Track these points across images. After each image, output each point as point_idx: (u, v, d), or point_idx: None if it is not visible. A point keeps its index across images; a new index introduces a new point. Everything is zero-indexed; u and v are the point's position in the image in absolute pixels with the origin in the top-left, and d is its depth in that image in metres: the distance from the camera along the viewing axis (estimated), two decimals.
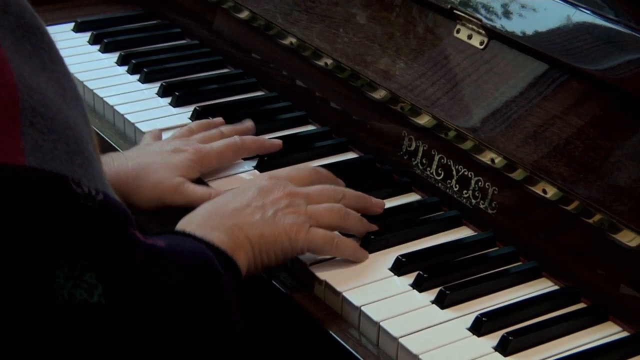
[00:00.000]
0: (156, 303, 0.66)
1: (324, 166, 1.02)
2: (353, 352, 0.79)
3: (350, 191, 0.92)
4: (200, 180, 0.98)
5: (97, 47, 1.27)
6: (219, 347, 0.71)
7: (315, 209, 0.87)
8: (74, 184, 0.60)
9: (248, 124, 1.07)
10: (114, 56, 1.25)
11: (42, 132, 0.59)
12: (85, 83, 1.18)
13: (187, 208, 0.91)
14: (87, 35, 1.29)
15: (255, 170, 1.02)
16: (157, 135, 1.05)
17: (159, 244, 0.69)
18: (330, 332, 0.82)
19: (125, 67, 1.22)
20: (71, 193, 0.60)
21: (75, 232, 0.60)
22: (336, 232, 0.88)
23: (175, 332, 0.67)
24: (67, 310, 0.60)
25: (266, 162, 1.03)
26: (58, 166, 0.59)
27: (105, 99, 1.15)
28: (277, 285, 0.87)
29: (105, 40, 1.27)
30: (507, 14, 0.93)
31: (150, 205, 0.94)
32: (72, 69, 1.18)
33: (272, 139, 1.05)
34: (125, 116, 1.12)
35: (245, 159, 1.04)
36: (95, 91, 1.17)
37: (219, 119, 1.08)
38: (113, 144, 1.10)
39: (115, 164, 0.94)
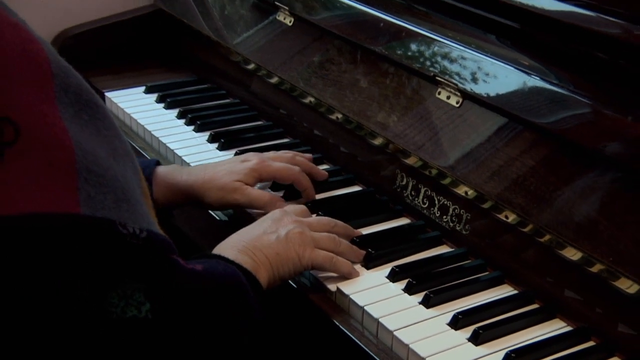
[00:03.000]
0: (195, 315, 0.65)
1: (334, 197, 1.01)
2: (357, 341, 0.79)
3: (339, 222, 0.91)
4: None
5: (162, 104, 1.28)
6: (243, 348, 0.70)
7: (316, 235, 0.86)
8: (121, 227, 0.59)
9: (323, 171, 1.03)
10: (174, 112, 1.25)
11: (94, 186, 0.58)
12: (152, 132, 1.19)
13: (246, 205, 0.92)
14: (154, 96, 1.30)
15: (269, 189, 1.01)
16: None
17: (198, 267, 0.68)
18: (339, 325, 0.82)
19: (183, 120, 1.23)
20: (118, 234, 0.59)
21: (125, 263, 0.59)
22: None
23: (209, 338, 0.66)
24: (120, 325, 0.59)
25: (284, 187, 1.00)
26: (107, 213, 0.58)
27: (167, 144, 1.16)
28: (298, 289, 0.87)
29: (168, 100, 1.28)
30: (476, 79, 0.93)
31: (217, 203, 0.94)
32: (142, 121, 1.24)
33: (321, 170, 1.03)
34: (183, 157, 1.12)
35: None
36: (160, 139, 1.18)
37: (296, 153, 1.03)
38: None
39: (196, 173, 0.96)
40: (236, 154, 1.11)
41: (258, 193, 0.94)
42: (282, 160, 0.99)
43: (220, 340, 0.67)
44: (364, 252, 0.89)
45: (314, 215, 0.95)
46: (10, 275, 0.55)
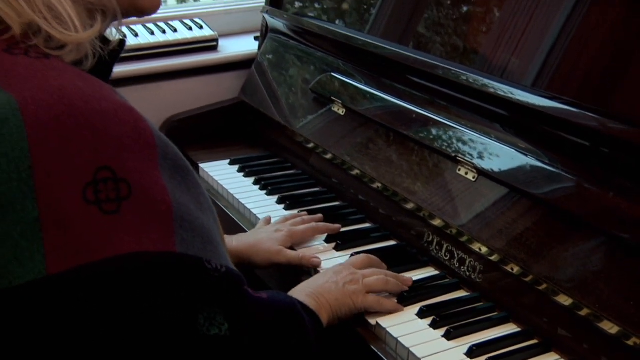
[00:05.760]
0: (261, 333, 0.67)
1: (374, 250, 1.04)
2: None
3: (390, 272, 0.95)
4: (291, 248, 1.04)
5: (242, 173, 1.33)
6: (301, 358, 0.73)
7: (368, 280, 0.90)
8: (207, 263, 0.60)
9: (319, 215, 1.12)
10: (251, 179, 1.31)
11: (187, 231, 0.59)
12: (234, 195, 1.25)
13: (287, 265, 0.98)
14: (236, 167, 1.36)
15: (324, 242, 1.07)
16: (267, 220, 1.12)
17: (263, 296, 0.71)
18: (378, 353, 0.84)
19: (258, 186, 1.28)
20: (205, 268, 0.60)
21: (209, 291, 0.61)
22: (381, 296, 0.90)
23: (271, 352, 0.69)
24: (206, 341, 0.61)
25: (336, 239, 1.06)
26: (196, 252, 0.60)
27: (246, 204, 1.21)
28: (346, 322, 0.89)
29: (247, 170, 1.33)
30: (488, 159, 0.95)
31: (264, 263, 1.01)
32: (227, 187, 1.30)
33: (335, 225, 1.10)
34: (257, 215, 1.17)
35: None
36: (240, 200, 1.23)
37: (304, 213, 1.13)
38: (246, 229, 1.15)
39: (243, 240, 1.03)
40: (299, 212, 1.16)
41: (293, 255, 1.01)
42: (298, 223, 1.07)
43: (278, 352, 0.69)
44: (406, 288, 0.93)
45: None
46: (121, 299, 0.57)
